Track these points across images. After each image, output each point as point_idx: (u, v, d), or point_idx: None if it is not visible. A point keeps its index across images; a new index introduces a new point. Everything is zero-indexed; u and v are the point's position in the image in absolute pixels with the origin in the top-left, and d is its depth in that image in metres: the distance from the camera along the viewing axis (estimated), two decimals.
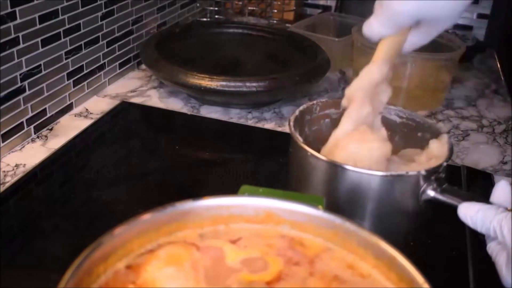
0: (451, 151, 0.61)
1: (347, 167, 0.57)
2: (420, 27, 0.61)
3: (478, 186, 0.76)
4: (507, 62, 1.24)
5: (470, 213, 0.52)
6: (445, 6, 0.57)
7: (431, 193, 0.58)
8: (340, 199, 0.59)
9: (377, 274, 0.41)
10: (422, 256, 0.62)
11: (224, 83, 0.87)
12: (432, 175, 0.58)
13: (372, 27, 0.61)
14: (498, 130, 0.95)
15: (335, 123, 0.70)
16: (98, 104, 0.94)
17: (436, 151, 0.63)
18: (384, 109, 0.68)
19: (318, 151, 0.61)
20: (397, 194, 0.59)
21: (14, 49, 0.75)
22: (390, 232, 0.60)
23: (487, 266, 0.51)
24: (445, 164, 0.59)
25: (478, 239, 0.53)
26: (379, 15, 0.60)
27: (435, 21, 0.60)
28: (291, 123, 0.64)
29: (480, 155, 0.86)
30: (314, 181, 0.62)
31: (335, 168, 0.58)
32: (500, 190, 0.55)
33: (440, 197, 0.58)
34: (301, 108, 0.68)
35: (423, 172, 0.57)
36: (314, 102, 0.69)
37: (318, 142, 0.66)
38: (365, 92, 0.62)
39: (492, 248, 0.51)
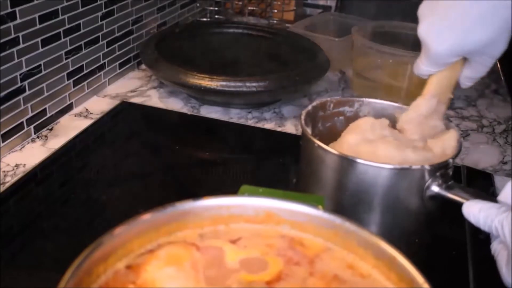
0: (459, 148, 0.61)
1: (354, 158, 0.58)
2: (470, 60, 0.61)
3: (478, 186, 0.76)
4: (507, 62, 1.24)
5: (473, 211, 0.52)
6: (477, 39, 0.58)
7: (435, 188, 0.58)
8: (347, 191, 0.60)
9: (377, 274, 0.41)
10: (422, 256, 0.62)
11: (224, 83, 0.87)
12: (437, 170, 0.58)
13: (419, 66, 0.64)
14: (498, 130, 0.95)
15: (349, 121, 0.70)
16: (98, 104, 0.94)
17: (447, 143, 0.63)
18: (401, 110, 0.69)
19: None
20: (403, 187, 0.59)
21: (14, 49, 0.75)
22: (394, 227, 0.61)
23: (487, 266, 0.51)
24: (451, 161, 0.59)
25: (478, 239, 0.53)
26: (422, 55, 0.62)
27: (479, 53, 0.60)
28: (303, 117, 0.65)
29: (480, 155, 0.86)
30: (322, 173, 0.62)
31: (341, 160, 0.59)
32: (509, 189, 0.55)
33: (445, 193, 0.58)
34: (314, 103, 0.68)
35: (427, 167, 0.57)
36: (328, 99, 0.70)
37: (333, 138, 0.67)
38: (415, 124, 0.64)
39: (494, 247, 0.51)
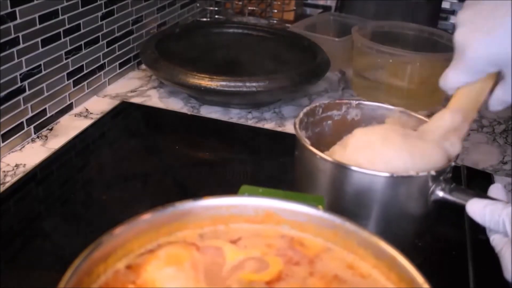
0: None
1: (355, 168, 0.57)
2: (505, 77, 0.56)
3: (478, 186, 0.76)
4: None
5: (479, 208, 0.52)
6: None
7: (440, 193, 0.57)
8: (348, 200, 0.59)
9: (377, 274, 0.41)
10: (422, 256, 0.62)
11: (224, 83, 0.87)
12: (441, 175, 0.57)
13: (448, 76, 0.59)
14: (498, 130, 0.95)
15: (336, 124, 0.70)
16: (98, 104, 0.94)
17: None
18: (390, 111, 0.68)
19: (321, 152, 0.61)
20: (406, 194, 0.58)
21: (14, 49, 0.75)
22: (397, 233, 0.60)
23: (487, 266, 0.51)
24: (452, 164, 0.59)
25: (478, 239, 0.53)
26: (453, 64, 0.59)
27: None
28: (297, 126, 0.64)
29: (480, 155, 0.86)
30: (321, 183, 0.61)
31: (343, 170, 0.58)
32: (495, 193, 0.55)
33: (449, 197, 0.57)
34: (304, 110, 0.68)
35: (433, 173, 0.56)
36: (317, 104, 0.69)
37: (321, 144, 0.66)
38: (434, 137, 0.59)
39: (496, 240, 0.51)
